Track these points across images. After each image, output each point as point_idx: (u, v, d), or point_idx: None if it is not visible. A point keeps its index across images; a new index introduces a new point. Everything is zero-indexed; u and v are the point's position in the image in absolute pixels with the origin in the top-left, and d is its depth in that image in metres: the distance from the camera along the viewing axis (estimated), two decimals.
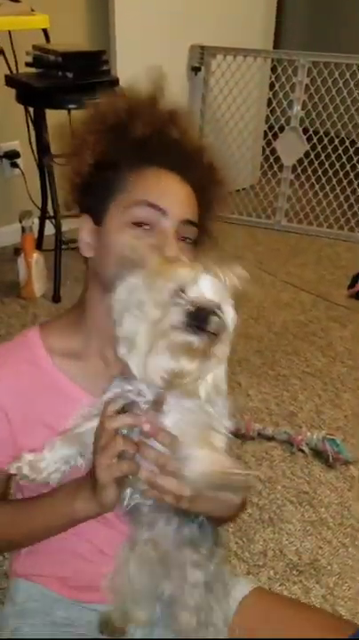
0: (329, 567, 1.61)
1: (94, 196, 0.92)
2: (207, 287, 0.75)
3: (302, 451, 1.94)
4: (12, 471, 0.83)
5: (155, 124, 0.92)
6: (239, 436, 1.97)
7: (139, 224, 0.87)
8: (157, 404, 0.78)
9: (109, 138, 0.91)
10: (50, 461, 0.82)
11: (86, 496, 0.84)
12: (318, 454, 1.93)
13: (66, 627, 0.96)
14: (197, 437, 0.76)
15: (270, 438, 2.00)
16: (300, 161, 3.69)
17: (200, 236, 0.96)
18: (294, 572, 1.59)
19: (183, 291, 0.73)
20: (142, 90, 0.95)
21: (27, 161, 3.04)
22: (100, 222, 0.91)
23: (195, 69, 3.69)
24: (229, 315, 0.76)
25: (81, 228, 0.94)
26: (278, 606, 1.04)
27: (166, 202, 0.88)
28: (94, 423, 0.81)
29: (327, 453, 1.90)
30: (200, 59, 3.65)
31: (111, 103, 0.95)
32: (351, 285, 3.00)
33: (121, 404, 0.79)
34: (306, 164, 3.72)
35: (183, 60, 3.65)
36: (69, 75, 2.55)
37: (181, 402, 0.78)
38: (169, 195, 0.89)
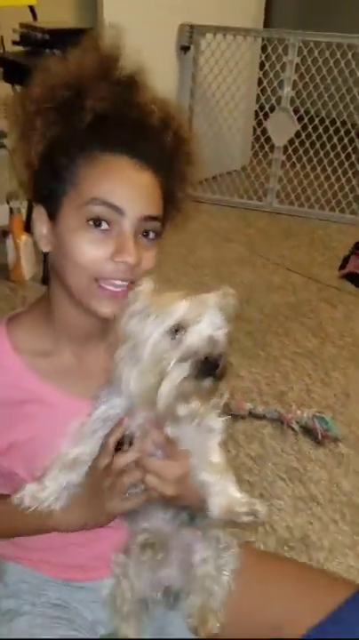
0: (319, 543, 1.62)
1: (46, 187, 0.83)
2: (209, 325, 0.76)
3: (292, 429, 1.96)
4: (15, 502, 0.83)
5: (109, 98, 0.81)
6: (231, 415, 1.98)
7: (95, 222, 0.80)
8: (159, 423, 0.81)
9: (57, 119, 0.81)
10: (51, 490, 0.83)
11: (73, 516, 0.85)
12: (308, 432, 1.95)
13: (58, 607, 0.96)
14: (200, 453, 0.81)
15: (261, 417, 2.01)
16: (291, 142, 3.67)
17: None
18: (285, 547, 1.60)
19: (185, 329, 0.75)
20: (101, 50, 0.85)
21: None
22: (54, 217, 0.83)
23: (185, 48, 3.64)
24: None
25: (36, 219, 0.86)
26: (267, 559, 1.06)
27: (123, 198, 0.80)
28: (91, 444, 0.83)
29: (316, 431, 1.92)
30: (189, 37, 3.60)
31: (60, 74, 0.83)
32: (342, 266, 3.01)
33: (116, 440, 0.81)
34: (297, 144, 3.70)
35: (172, 39, 3.60)
36: (57, 52, 2.50)
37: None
38: (125, 189, 0.80)
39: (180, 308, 0.76)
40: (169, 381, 0.74)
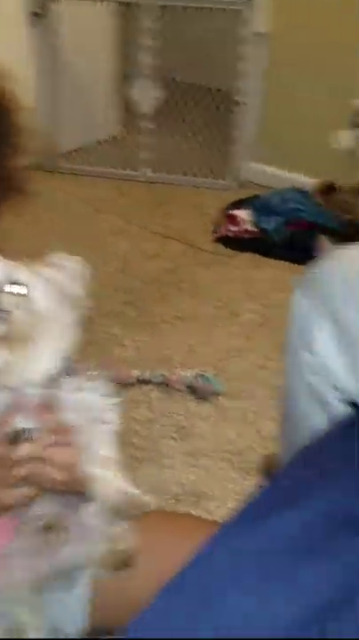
0: (210, 493, 1.70)
1: None
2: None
3: (177, 389, 2.01)
4: None
5: None
6: (118, 385, 1.99)
7: None
8: (49, 407, 0.76)
9: None
10: None
11: None
12: (192, 391, 2.02)
13: None
14: (90, 446, 0.77)
15: (147, 382, 2.05)
16: (161, 110, 3.67)
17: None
18: (177, 502, 1.66)
19: None
20: None
21: None
22: None
23: (37, 15, 3.48)
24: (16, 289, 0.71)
25: None
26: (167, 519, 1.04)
27: None
28: None
29: (200, 389, 1.99)
30: (40, 3, 3.44)
31: None
32: (215, 231, 3.09)
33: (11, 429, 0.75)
34: (166, 112, 3.71)
35: (19, 4, 3.42)
36: None
37: (69, 397, 0.77)
38: None
39: None
40: None
